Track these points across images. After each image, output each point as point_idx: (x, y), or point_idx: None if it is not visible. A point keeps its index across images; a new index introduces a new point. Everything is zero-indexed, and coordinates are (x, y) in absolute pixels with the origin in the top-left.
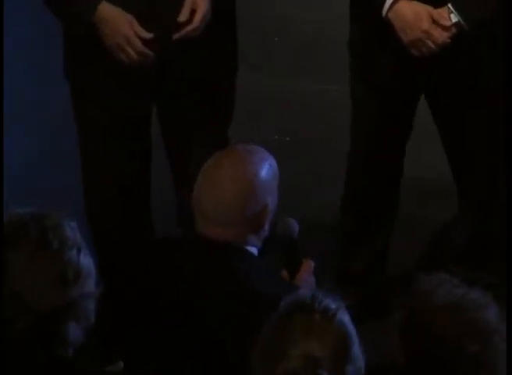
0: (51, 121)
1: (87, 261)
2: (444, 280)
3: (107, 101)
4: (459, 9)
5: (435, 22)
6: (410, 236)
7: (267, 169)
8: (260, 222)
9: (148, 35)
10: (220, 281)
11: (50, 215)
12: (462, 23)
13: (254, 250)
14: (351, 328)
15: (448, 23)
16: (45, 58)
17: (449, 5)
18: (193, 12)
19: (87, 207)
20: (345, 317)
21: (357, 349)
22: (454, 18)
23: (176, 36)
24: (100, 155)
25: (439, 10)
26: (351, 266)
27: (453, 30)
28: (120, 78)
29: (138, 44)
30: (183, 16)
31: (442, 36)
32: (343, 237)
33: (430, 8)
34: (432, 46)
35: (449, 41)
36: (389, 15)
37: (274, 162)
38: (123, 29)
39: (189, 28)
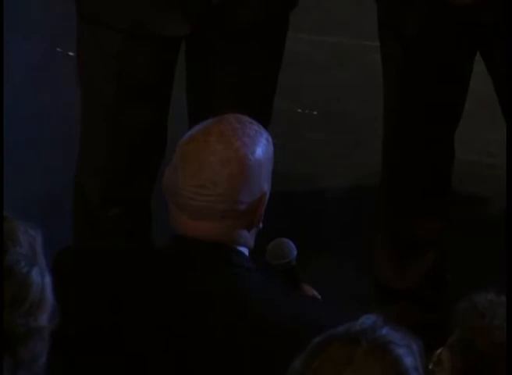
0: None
1: (41, 282)
2: (497, 302)
3: (127, 26)
4: None
5: None
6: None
7: (264, 145)
8: (255, 214)
9: None
10: (212, 301)
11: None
12: None
13: (245, 251)
14: (412, 373)
15: None
16: None
17: None
18: None
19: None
20: (407, 358)
21: None
22: None
23: None
24: (112, 102)
25: None
26: (394, 280)
27: None
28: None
29: None
30: None
31: None
32: (380, 241)
33: None
34: None
35: None
36: None
37: (270, 137)
38: None
39: None
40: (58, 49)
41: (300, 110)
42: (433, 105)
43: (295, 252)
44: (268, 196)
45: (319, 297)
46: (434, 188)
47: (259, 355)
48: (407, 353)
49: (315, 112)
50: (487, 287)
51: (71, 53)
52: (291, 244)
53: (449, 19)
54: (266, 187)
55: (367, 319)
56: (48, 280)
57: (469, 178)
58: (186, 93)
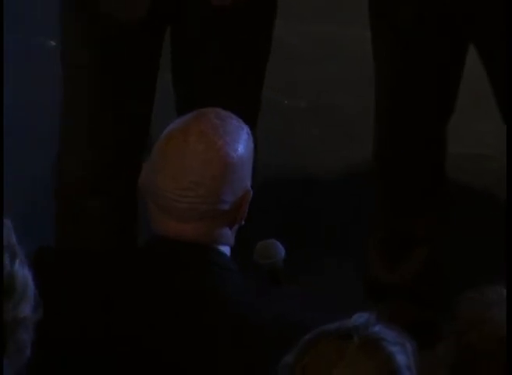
0: None
1: (22, 273)
2: (502, 296)
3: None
4: None
5: None
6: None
7: (245, 140)
8: (238, 212)
9: None
10: (195, 302)
11: None
12: None
13: (227, 250)
14: (404, 373)
15: None
16: None
17: None
18: None
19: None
20: (400, 356)
21: None
22: None
23: None
24: (93, 88)
25: None
26: (385, 275)
27: None
28: None
29: None
30: None
31: None
32: (373, 230)
33: None
34: None
35: None
36: None
37: (249, 130)
38: None
39: None
40: (40, 39)
41: (287, 102)
42: (427, 98)
43: (283, 253)
44: (251, 193)
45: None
46: (430, 183)
47: (240, 357)
48: (400, 351)
49: (303, 105)
50: (485, 283)
51: (53, 42)
52: (279, 245)
53: (443, 11)
54: (249, 183)
55: (359, 317)
56: (27, 271)
57: (465, 171)
58: (173, 87)
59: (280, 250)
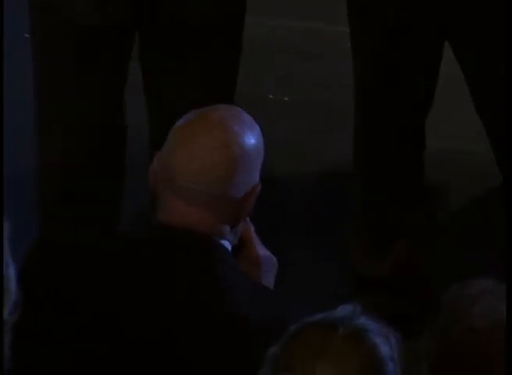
0: None
1: (7, 274)
2: (487, 289)
3: (77, 12)
4: None
5: None
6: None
7: (258, 135)
8: (246, 205)
9: None
10: (199, 301)
11: None
12: None
13: (227, 245)
14: (388, 364)
15: None
16: None
17: None
18: None
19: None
20: (384, 347)
21: None
22: None
23: None
24: (64, 87)
25: None
26: (370, 268)
27: None
28: None
29: None
30: None
31: None
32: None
33: None
34: None
35: None
36: None
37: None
38: None
39: None
40: (26, 35)
41: (272, 96)
42: (407, 94)
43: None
44: (260, 187)
45: (272, 257)
46: (409, 177)
47: (236, 350)
48: (384, 342)
49: (287, 98)
50: (469, 277)
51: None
52: None
53: (423, 9)
54: (258, 177)
55: (345, 309)
56: (11, 271)
57: (445, 167)
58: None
59: None
